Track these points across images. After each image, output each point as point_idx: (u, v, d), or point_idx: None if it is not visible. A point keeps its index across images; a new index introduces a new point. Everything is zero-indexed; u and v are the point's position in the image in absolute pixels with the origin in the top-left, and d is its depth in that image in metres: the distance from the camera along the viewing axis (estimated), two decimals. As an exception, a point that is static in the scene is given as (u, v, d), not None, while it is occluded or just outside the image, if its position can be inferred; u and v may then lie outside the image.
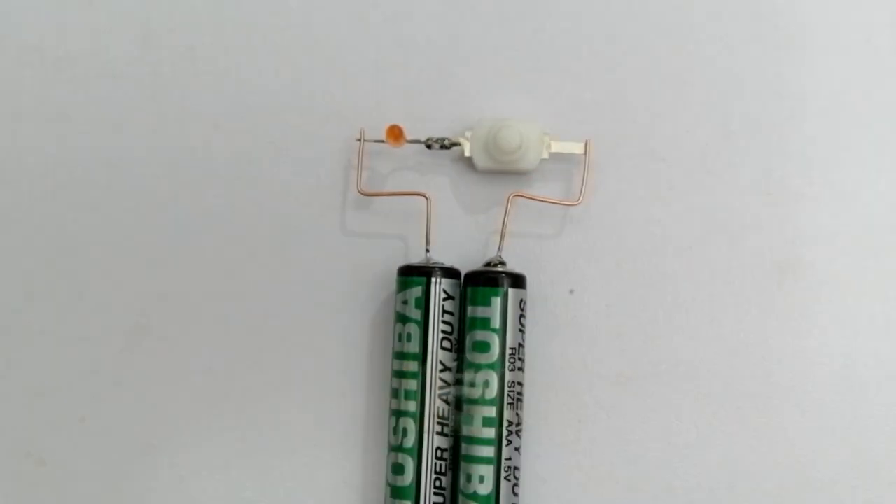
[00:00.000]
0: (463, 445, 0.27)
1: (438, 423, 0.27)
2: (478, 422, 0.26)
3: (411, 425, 0.27)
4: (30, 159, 0.30)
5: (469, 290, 0.27)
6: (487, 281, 0.27)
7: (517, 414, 0.27)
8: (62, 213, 0.30)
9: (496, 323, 0.26)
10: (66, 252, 0.30)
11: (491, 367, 0.26)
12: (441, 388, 0.27)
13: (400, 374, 0.27)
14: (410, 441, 0.27)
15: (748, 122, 0.29)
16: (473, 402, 0.27)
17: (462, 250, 0.29)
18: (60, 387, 0.29)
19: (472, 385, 0.27)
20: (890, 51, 0.29)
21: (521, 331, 0.27)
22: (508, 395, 0.27)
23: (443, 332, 0.27)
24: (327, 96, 0.30)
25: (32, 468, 0.29)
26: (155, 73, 0.30)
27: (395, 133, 0.28)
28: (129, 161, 0.30)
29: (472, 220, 0.29)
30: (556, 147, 0.28)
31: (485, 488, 0.26)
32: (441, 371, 0.27)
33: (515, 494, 0.27)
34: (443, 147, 0.29)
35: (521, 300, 0.27)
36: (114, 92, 0.30)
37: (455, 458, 0.27)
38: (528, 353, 0.28)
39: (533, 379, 0.28)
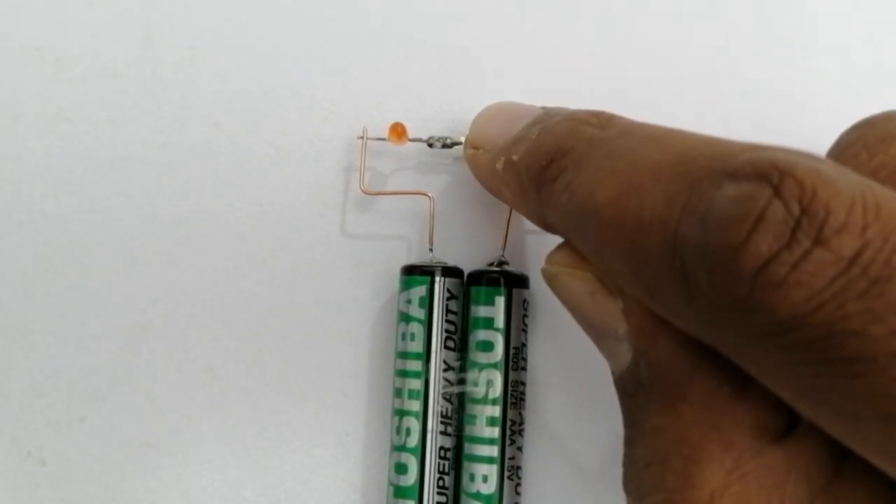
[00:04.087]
0: (466, 445, 0.27)
1: (442, 422, 0.27)
2: (481, 421, 0.26)
3: (414, 425, 0.27)
4: (30, 159, 0.30)
5: (472, 289, 0.27)
6: (490, 280, 0.27)
7: (520, 413, 0.27)
8: (62, 213, 0.30)
9: (499, 322, 0.26)
10: (66, 252, 0.30)
11: (494, 366, 0.26)
12: (444, 387, 0.27)
13: (403, 374, 0.27)
14: (414, 440, 0.27)
15: (748, 122, 0.29)
16: (477, 401, 0.27)
17: (465, 249, 0.29)
18: (60, 387, 0.29)
19: (476, 384, 0.27)
20: (890, 51, 0.29)
21: (524, 330, 0.27)
22: (512, 395, 0.27)
23: (446, 331, 0.27)
24: (327, 96, 0.30)
25: (32, 468, 0.29)
26: (155, 73, 0.30)
27: (398, 131, 0.28)
28: (129, 161, 0.30)
29: (475, 219, 0.29)
30: (558, 146, 0.29)
31: (488, 488, 0.26)
32: (444, 370, 0.27)
33: (518, 494, 0.27)
34: (444, 146, 0.29)
35: (525, 300, 0.27)
36: (114, 92, 0.30)
37: (458, 457, 0.27)
38: (531, 352, 0.28)
39: (535, 378, 0.28)
